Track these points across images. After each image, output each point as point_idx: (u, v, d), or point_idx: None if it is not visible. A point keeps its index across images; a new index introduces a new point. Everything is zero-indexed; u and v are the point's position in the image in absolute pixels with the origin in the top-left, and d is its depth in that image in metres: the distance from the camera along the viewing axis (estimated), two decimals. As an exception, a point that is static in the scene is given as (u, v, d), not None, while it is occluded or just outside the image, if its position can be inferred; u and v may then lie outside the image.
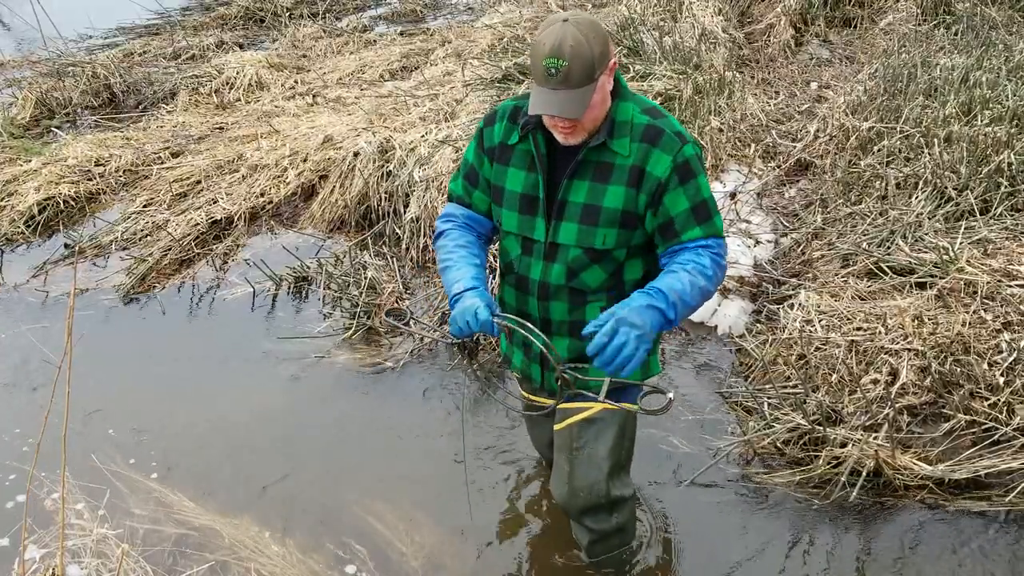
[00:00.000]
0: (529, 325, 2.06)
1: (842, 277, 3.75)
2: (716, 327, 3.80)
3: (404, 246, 4.50)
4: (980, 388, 3.05)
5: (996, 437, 2.92)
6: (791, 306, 3.64)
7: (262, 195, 5.07)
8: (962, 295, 3.41)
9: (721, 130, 4.92)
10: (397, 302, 4.09)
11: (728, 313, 3.82)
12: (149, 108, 6.62)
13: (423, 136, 4.97)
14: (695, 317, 3.77)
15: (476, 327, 2.03)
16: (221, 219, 4.92)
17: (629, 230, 2.09)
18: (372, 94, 6.10)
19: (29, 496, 2.44)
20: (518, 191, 2.15)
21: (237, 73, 6.79)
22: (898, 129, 4.55)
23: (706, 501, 2.97)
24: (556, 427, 2.38)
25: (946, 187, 4.06)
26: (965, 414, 2.98)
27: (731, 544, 2.80)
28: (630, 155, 2.03)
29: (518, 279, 2.22)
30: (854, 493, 2.84)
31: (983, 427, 2.96)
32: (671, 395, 1.97)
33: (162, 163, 5.53)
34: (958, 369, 3.11)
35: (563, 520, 2.91)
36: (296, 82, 6.74)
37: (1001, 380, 3.02)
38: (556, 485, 2.45)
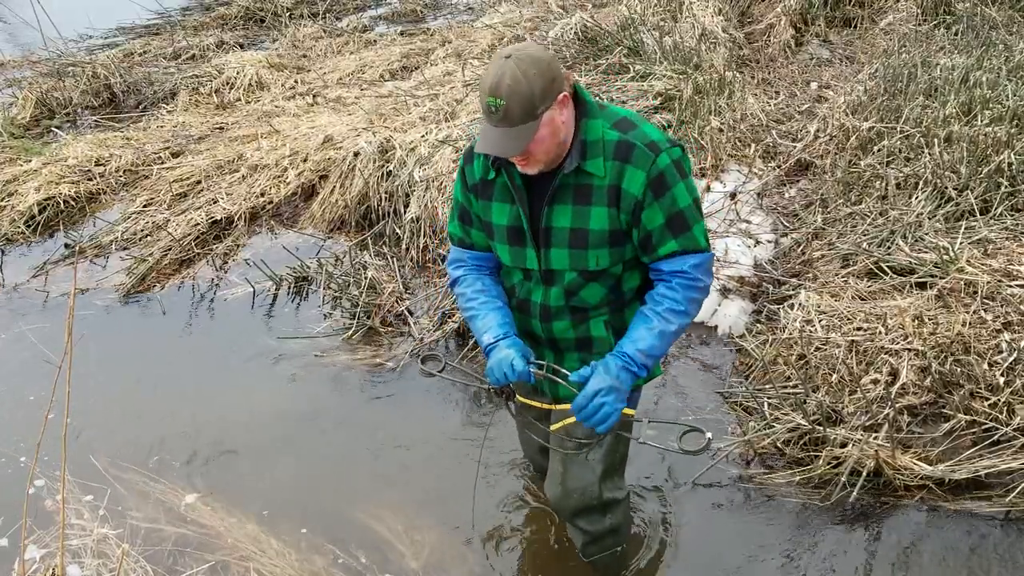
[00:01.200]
0: (564, 371, 2.14)
1: (842, 277, 3.75)
2: (716, 327, 3.80)
3: (404, 246, 4.50)
4: (980, 388, 3.04)
5: (996, 437, 2.92)
6: (791, 306, 3.64)
7: (262, 195, 5.07)
8: (962, 295, 3.41)
9: (721, 130, 4.92)
10: (397, 302, 4.09)
11: (728, 313, 3.82)
12: (149, 108, 6.62)
13: (423, 136, 4.97)
14: (695, 318, 3.77)
15: (513, 377, 2.10)
16: (221, 219, 4.92)
17: (620, 247, 2.09)
18: (372, 94, 6.11)
19: (29, 496, 2.43)
20: (504, 224, 2.15)
21: (237, 73, 6.80)
22: (898, 129, 4.55)
23: (706, 501, 2.97)
24: (552, 428, 2.38)
25: (946, 187, 4.06)
26: (965, 414, 2.98)
27: (731, 544, 2.80)
28: (606, 175, 2.01)
29: (520, 303, 2.25)
30: (854, 493, 2.84)
31: (983, 427, 2.96)
32: (710, 435, 2.06)
33: (162, 163, 5.53)
34: (958, 369, 3.10)
35: (563, 521, 2.92)
36: (296, 82, 6.75)
37: (1001, 380, 3.02)
38: (549, 486, 2.47)
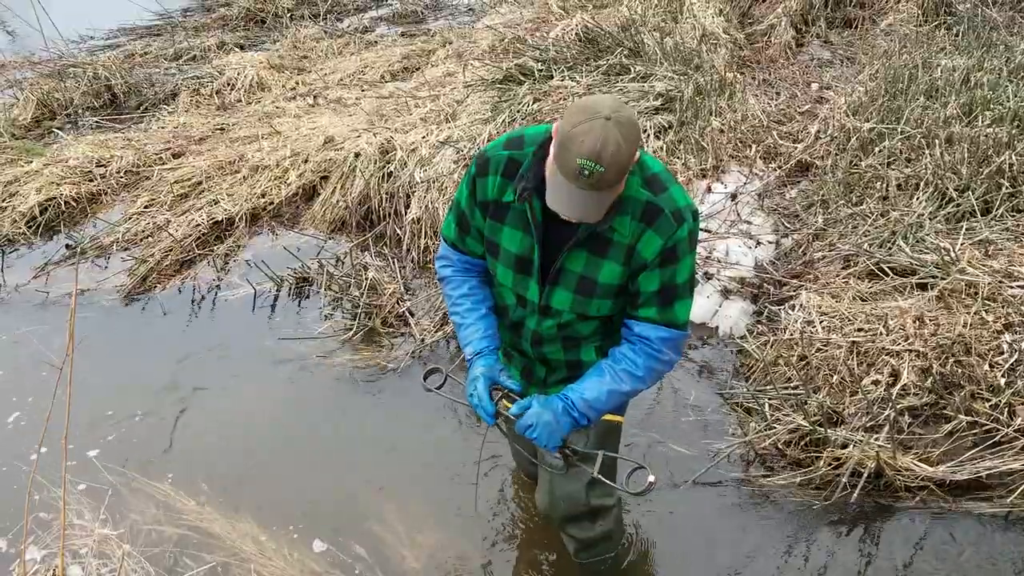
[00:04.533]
0: (515, 397, 2.17)
1: (843, 278, 3.74)
2: (717, 328, 3.80)
3: (405, 247, 4.50)
4: (981, 389, 3.04)
5: (997, 438, 2.92)
6: (792, 307, 3.64)
7: (263, 196, 5.07)
8: (963, 296, 3.41)
9: (722, 131, 4.92)
10: (398, 303, 4.09)
11: (729, 314, 3.82)
12: (150, 109, 6.62)
13: (424, 137, 4.97)
14: (695, 319, 3.77)
15: (482, 415, 2.17)
16: (222, 220, 4.92)
17: (623, 297, 2.08)
18: (373, 95, 6.11)
19: (30, 497, 2.44)
20: (513, 251, 2.10)
21: (238, 74, 6.80)
22: (899, 130, 4.55)
23: (707, 502, 2.97)
24: None
25: (947, 188, 4.06)
26: (966, 415, 2.98)
27: (732, 545, 2.80)
28: (628, 235, 1.96)
29: (513, 324, 2.24)
30: (855, 494, 2.84)
31: (984, 428, 2.96)
32: (652, 478, 2.05)
33: (163, 164, 5.53)
34: (959, 370, 3.10)
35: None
36: (297, 83, 6.75)
37: (1002, 381, 3.02)
38: (539, 495, 2.49)
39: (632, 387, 2.08)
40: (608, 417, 2.28)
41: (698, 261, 4.06)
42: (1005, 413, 2.96)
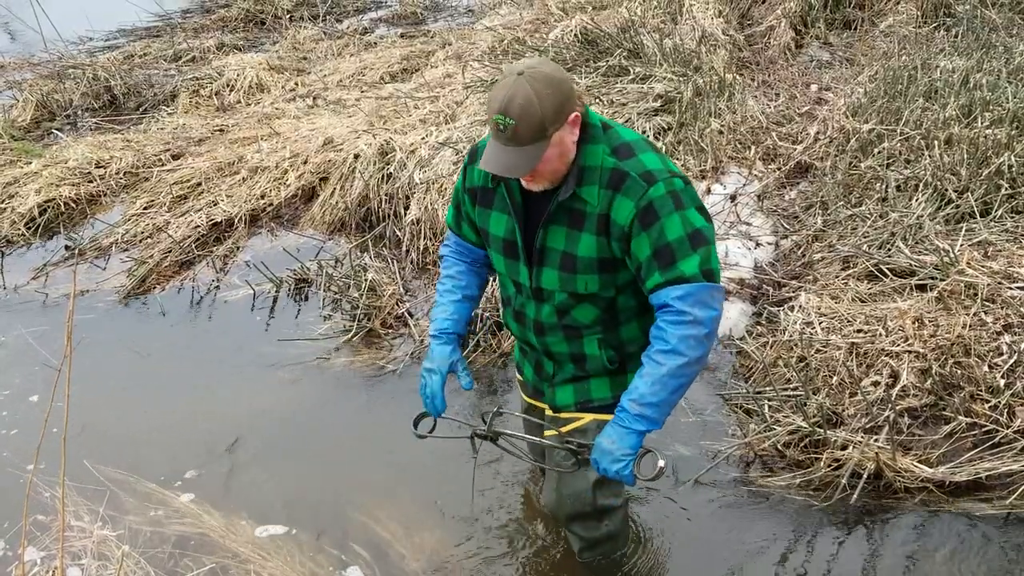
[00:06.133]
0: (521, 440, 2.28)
1: (842, 279, 3.75)
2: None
3: (404, 248, 4.50)
4: (981, 390, 3.04)
5: (997, 439, 2.92)
6: (791, 308, 3.64)
7: (262, 197, 5.07)
8: (962, 297, 3.41)
9: (721, 132, 4.92)
10: (397, 304, 4.09)
11: (728, 315, 3.81)
12: (149, 110, 6.62)
13: (423, 138, 4.97)
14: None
15: (427, 406, 2.28)
16: (221, 221, 4.92)
17: (610, 273, 2.05)
18: (372, 96, 6.11)
19: (29, 499, 2.43)
20: (500, 236, 2.14)
21: (237, 75, 6.80)
22: (898, 131, 4.55)
23: (706, 503, 2.96)
24: (547, 433, 2.37)
25: (946, 189, 4.06)
26: (966, 416, 2.98)
27: (731, 547, 2.80)
28: (598, 204, 1.97)
29: (516, 313, 2.26)
30: (855, 495, 2.84)
31: (984, 429, 2.96)
32: (662, 463, 2.04)
33: (162, 165, 5.53)
34: (959, 371, 3.10)
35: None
36: (296, 84, 6.75)
37: (1002, 382, 3.02)
38: (545, 492, 2.48)
39: (670, 364, 1.95)
40: None
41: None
42: (1004, 414, 2.96)
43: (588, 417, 2.28)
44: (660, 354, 1.97)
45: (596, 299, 2.11)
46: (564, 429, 2.31)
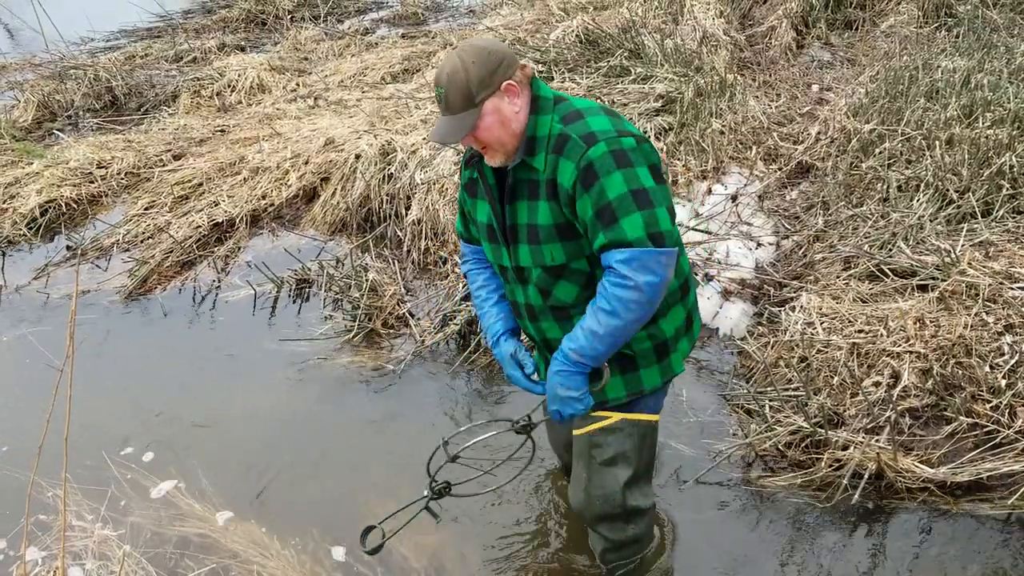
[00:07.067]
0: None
1: (843, 279, 3.74)
2: (718, 329, 3.80)
3: (405, 248, 4.50)
4: (982, 390, 3.04)
5: (998, 440, 2.91)
6: (792, 308, 3.63)
7: (263, 197, 5.07)
8: (964, 297, 3.40)
9: (722, 132, 4.92)
10: (398, 304, 4.09)
11: (729, 315, 3.81)
12: (151, 111, 6.63)
13: (424, 139, 4.97)
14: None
15: (534, 391, 2.28)
16: (222, 221, 4.92)
17: (572, 241, 2.06)
18: (374, 97, 6.11)
19: (30, 499, 2.43)
20: (484, 222, 2.21)
21: (239, 76, 6.81)
22: (899, 131, 4.55)
23: (707, 503, 2.96)
24: (575, 432, 2.37)
25: (948, 189, 4.06)
26: (967, 416, 2.98)
27: (732, 546, 2.80)
28: (544, 169, 2.02)
29: (512, 304, 2.31)
30: (856, 496, 2.84)
31: (985, 430, 2.95)
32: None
33: (164, 165, 5.54)
34: (960, 371, 3.10)
35: (565, 524, 2.91)
36: (298, 85, 6.75)
37: (1003, 383, 3.01)
38: (573, 491, 2.46)
39: (607, 324, 1.98)
40: (644, 417, 2.29)
41: (696, 256, 4.06)
42: (1006, 415, 2.96)
43: (616, 416, 2.28)
44: (601, 312, 2.00)
45: (570, 273, 2.11)
46: (593, 427, 2.31)
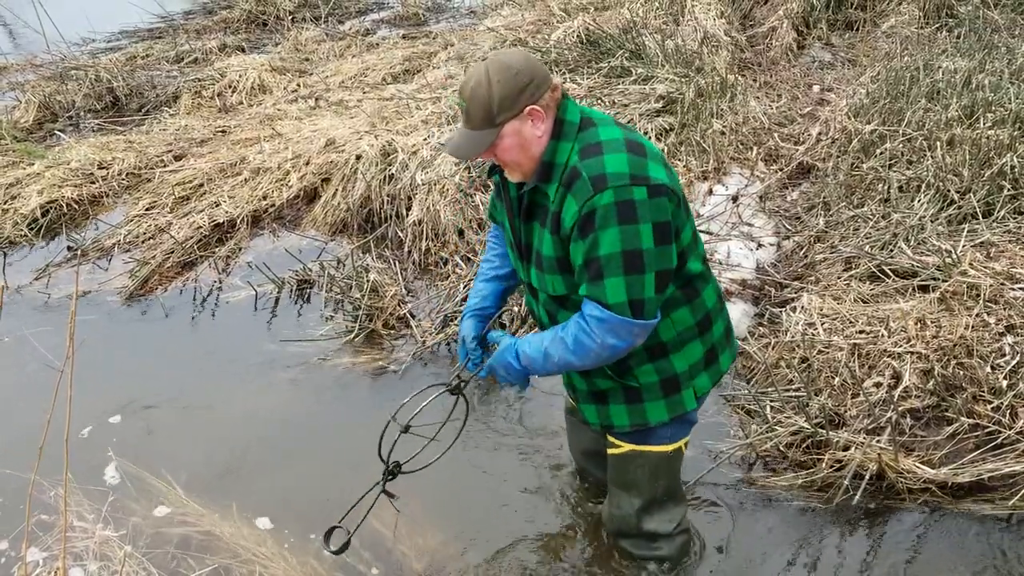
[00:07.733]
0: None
1: (844, 280, 3.74)
2: (718, 330, 3.79)
3: (406, 249, 4.50)
4: (983, 391, 3.04)
5: (999, 440, 2.91)
6: (793, 309, 3.63)
7: (264, 198, 5.08)
8: (965, 298, 3.40)
9: (723, 133, 4.92)
10: (399, 305, 4.09)
11: (731, 316, 3.81)
12: (152, 111, 6.63)
13: (425, 139, 4.97)
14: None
15: (463, 353, 2.34)
16: (223, 222, 4.92)
17: (572, 275, 2.01)
18: (374, 97, 6.11)
19: (31, 499, 2.44)
20: (507, 228, 2.19)
21: (240, 76, 6.81)
22: (900, 132, 4.55)
23: (708, 504, 2.96)
24: (608, 452, 2.39)
25: (949, 190, 4.05)
26: (968, 417, 2.98)
27: (733, 546, 2.79)
28: (553, 201, 1.95)
29: (534, 312, 2.29)
30: (857, 496, 2.84)
31: (986, 430, 2.95)
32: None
33: (165, 166, 5.54)
34: (961, 372, 3.10)
35: (566, 525, 2.91)
36: (298, 85, 6.76)
37: (1004, 383, 3.01)
38: (605, 505, 2.57)
39: (559, 356, 2.00)
40: (656, 449, 2.28)
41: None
42: (1007, 415, 2.96)
43: (626, 447, 2.30)
44: (561, 343, 2.00)
45: (572, 304, 2.06)
46: (609, 451, 2.36)
